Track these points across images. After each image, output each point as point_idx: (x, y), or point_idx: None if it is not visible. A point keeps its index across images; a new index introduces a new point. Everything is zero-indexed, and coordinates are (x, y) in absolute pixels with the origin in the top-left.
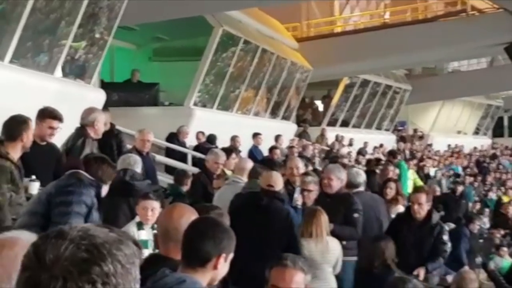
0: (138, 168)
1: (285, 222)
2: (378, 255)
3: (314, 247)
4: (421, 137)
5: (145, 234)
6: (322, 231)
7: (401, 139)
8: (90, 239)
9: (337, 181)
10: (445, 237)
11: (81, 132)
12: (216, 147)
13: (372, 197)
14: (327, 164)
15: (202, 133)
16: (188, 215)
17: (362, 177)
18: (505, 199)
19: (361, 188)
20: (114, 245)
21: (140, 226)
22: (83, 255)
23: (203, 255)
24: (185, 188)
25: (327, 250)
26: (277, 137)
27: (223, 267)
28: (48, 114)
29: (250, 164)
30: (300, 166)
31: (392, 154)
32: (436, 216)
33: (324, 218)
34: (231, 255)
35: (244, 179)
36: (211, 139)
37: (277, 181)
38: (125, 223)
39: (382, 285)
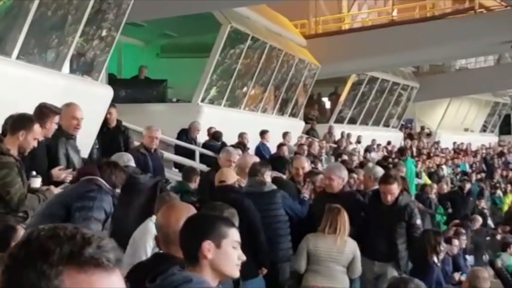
0: (132, 163)
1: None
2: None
3: (333, 244)
4: (428, 135)
5: None
6: (346, 229)
7: (409, 136)
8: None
9: (338, 179)
10: (418, 221)
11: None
12: (223, 144)
13: None
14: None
15: (214, 129)
16: (185, 216)
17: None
18: (510, 197)
19: None
20: None
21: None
22: None
23: (189, 247)
24: (193, 185)
25: (343, 250)
26: (285, 134)
27: (217, 255)
28: (54, 111)
29: (251, 161)
30: (306, 166)
31: (400, 151)
32: (405, 198)
33: (346, 217)
34: (226, 242)
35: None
36: (217, 136)
37: (228, 176)
38: (134, 218)
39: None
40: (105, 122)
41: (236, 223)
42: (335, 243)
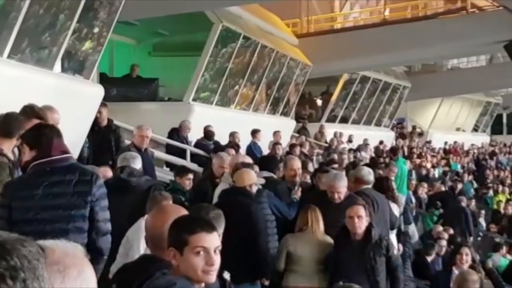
0: (137, 165)
1: (247, 216)
2: None
3: (311, 242)
4: (420, 134)
5: None
6: (320, 225)
7: (400, 136)
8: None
9: (344, 189)
10: (395, 252)
11: None
12: (215, 143)
13: (377, 194)
14: (323, 169)
15: (211, 127)
16: (173, 218)
17: (372, 176)
18: (501, 197)
19: (369, 186)
20: (18, 242)
21: None
22: None
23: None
24: (186, 184)
25: (322, 248)
26: (275, 133)
27: (181, 262)
28: (33, 114)
29: (243, 161)
30: (300, 166)
31: (392, 151)
32: (376, 231)
33: (319, 213)
34: (187, 249)
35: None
36: (209, 135)
37: (239, 178)
38: (123, 220)
39: None
40: (96, 121)
41: (221, 225)
42: (313, 241)
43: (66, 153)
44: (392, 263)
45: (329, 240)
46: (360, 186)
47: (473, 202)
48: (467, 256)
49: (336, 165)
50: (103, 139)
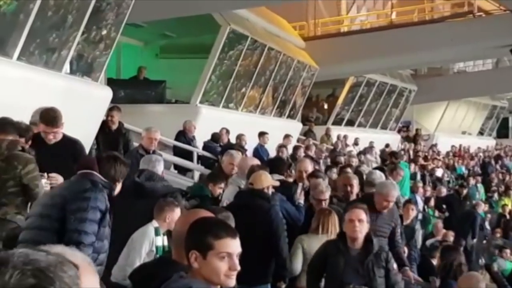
0: (158, 169)
1: (265, 219)
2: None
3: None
4: (426, 138)
5: (160, 240)
6: (337, 230)
7: (407, 139)
8: (34, 264)
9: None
10: (395, 266)
11: None
12: (220, 145)
13: None
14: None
15: (227, 130)
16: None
17: (384, 179)
18: (506, 201)
19: None
20: (58, 267)
21: (157, 231)
22: (31, 281)
23: (185, 254)
24: (218, 191)
25: None
26: (285, 137)
27: (203, 265)
28: (43, 120)
29: (251, 163)
30: (309, 169)
31: (394, 155)
32: (376, 240)
33: (336, 218)
34: (212, 253)
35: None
36: (216, 138)
37: (257, 180)
38: (137, 224)
39: None
40: (107, 124)
41: (233, 225)
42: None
43: None
44: (391, 279)
45: None
46: (371, 189)
47: (482, 206)
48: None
49: (349, 168)
50: (113, 142)
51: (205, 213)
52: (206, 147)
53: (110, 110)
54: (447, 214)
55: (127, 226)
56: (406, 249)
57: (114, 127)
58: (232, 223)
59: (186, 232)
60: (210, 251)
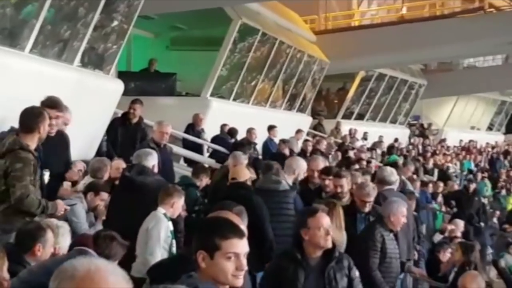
0: (150, 162)
1: (249, 206)
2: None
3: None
4: (435, 132)
5: (171, 225)
6: (342, 222)
7: (421, 135)
8: None
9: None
10: (357, 274)
11: None
12: (236, 140)
13: (401, 195)
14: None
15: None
16: None
17: (395, 176)
18: None
19: (393, 187)
20: None
21: (166, 217)
22: None
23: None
24: (200, 182)
25: (342, 242)
26: (297, 132)
27: (211, 265)
28: (45, 104)
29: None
30: (321, 168)
31: (388, 150)
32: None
33: (341, 211)
34: (219, 254)
35: None
36: (232, 132)
37: (240, 173)
38: (128, 218)
39: None
40: (128, 116)
41: (245, 220)
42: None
43: None
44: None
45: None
46: (383, 187)
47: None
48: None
49: (356, 166)
50: (131, 136)
51: (225, 214)
52: (217, 139)
53: (132, 102)
54: (455, 210)
55: (119, 221)
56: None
57: (135, 120)
58: (245, 216)
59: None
60: (217, 251)
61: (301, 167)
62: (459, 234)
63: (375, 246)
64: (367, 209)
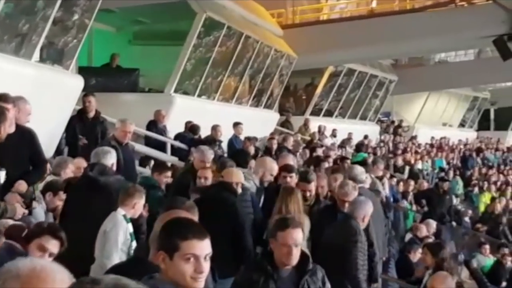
0: (108, 161)
1: (231, 212)
2: None
3: None
4: (406, 129)
5: (131, 227)
6: (301, 208)
7: (386, 130)
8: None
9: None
10: (329, 286)
11: None
12: (199, 137)
13: (371, 194)
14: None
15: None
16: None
17: (365, 175)
18: (487, 195)
19: (365, 185)
20: None
21: (125, 218)
22: None
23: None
24: (163, 180)
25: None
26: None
27: (170, 266)
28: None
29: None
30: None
31: (357, 147)
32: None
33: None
34: (178, 255)
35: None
36: (194, 129)
37: (228, 175)
38: (92, 219)
39: None
40: (84, 111)
41: (195, 215)
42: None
43: None
44: None
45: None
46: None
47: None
48: None
49: (325, 163)
50: (91, 131)
51: (183, 213)
52: (180, 137)
53: (85, 96)
54: (426, 209)
55: (82, 222)
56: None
57: (92, 114)
58: (196, 212)
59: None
60: (176, 252)
61: (266, 166)
62: (430, 234)
63: (358, 243)
64: (346, 209)
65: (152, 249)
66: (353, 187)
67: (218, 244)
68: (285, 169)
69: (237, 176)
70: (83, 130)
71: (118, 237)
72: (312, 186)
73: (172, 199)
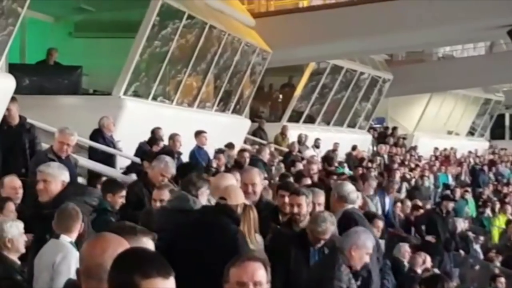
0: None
1: (229, 242)
2: None
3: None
4: (403, 138)
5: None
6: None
7: (380, 140)
8: None
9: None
10: None
11: None
12: (151, 149)
13: (362, 217)
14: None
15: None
16: (113, 248)
17: (356, 194)
18: (501, 218)
19: (355, 205)
20: None
21: (74, 246)
22: None
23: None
24: (119, 201)
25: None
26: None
27: None
28: None
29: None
30: (258, 181)
31: (327, 161)
32: None
33: (254, 215)
34: None
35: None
36: (153, 140)
37: (232, 194)
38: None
39: None
40: (4, 119)
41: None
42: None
43: None
44: None
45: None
46: (343, 205)
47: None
48: None
49: (307, 179)
50: (15, 141)
51: (112, 239)
52: (140, 150)
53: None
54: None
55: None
56: None
57: (15, 122)
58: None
59: (109, 266)
60: None
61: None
62: (429, 265)
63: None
64: (320, 244)
65: (85, 281)
66: (331, 223)
67: (207, 275)
68: (282, 187)
69: (239, 195)
70: (6, 141)
71: (71, 269)
72: (303, 200)
73: (116, 225)
